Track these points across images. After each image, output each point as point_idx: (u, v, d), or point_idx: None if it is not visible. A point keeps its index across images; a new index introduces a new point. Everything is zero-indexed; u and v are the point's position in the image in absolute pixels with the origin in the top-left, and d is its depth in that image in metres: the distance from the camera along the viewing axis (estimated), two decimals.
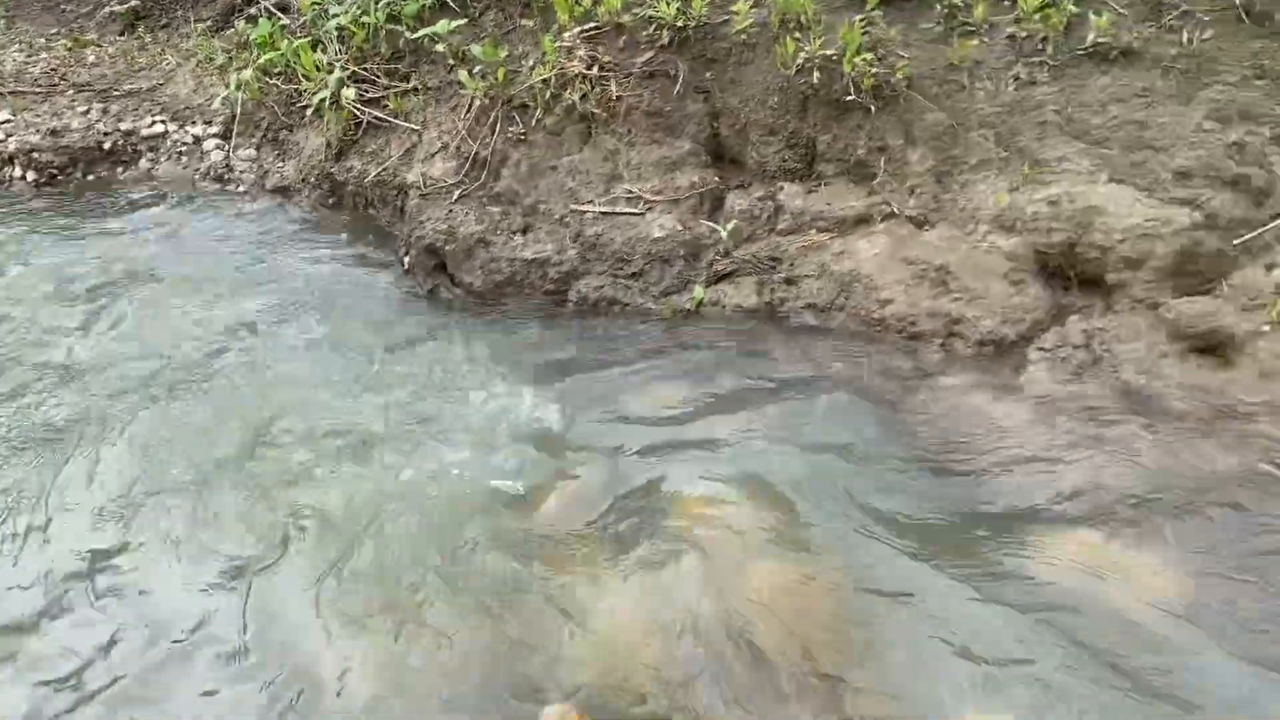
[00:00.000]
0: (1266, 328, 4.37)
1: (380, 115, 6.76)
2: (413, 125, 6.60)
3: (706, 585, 3.69)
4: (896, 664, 3.34)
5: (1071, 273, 4.95)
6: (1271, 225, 4.67)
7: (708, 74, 5.89)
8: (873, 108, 5.47)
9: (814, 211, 5.58)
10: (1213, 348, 4.47)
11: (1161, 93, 5.03)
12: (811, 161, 5.78)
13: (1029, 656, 3.31)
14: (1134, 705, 3.08)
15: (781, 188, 5.72)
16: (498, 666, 3.45)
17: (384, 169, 6.62)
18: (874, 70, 5.38)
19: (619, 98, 5.80)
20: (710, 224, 5.64)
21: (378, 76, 6.93)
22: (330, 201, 6.98)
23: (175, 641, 3.63)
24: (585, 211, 5.76)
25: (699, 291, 5.47)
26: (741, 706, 3.20)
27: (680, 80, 5.83)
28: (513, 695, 3.34)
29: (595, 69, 5.89)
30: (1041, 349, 4.80)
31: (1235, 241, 4.70)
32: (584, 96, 5.85)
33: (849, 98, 5.47)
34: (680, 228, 5.60)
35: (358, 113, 6.76)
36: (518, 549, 3.98)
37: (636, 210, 5.71)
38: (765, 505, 4.08)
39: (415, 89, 6.75)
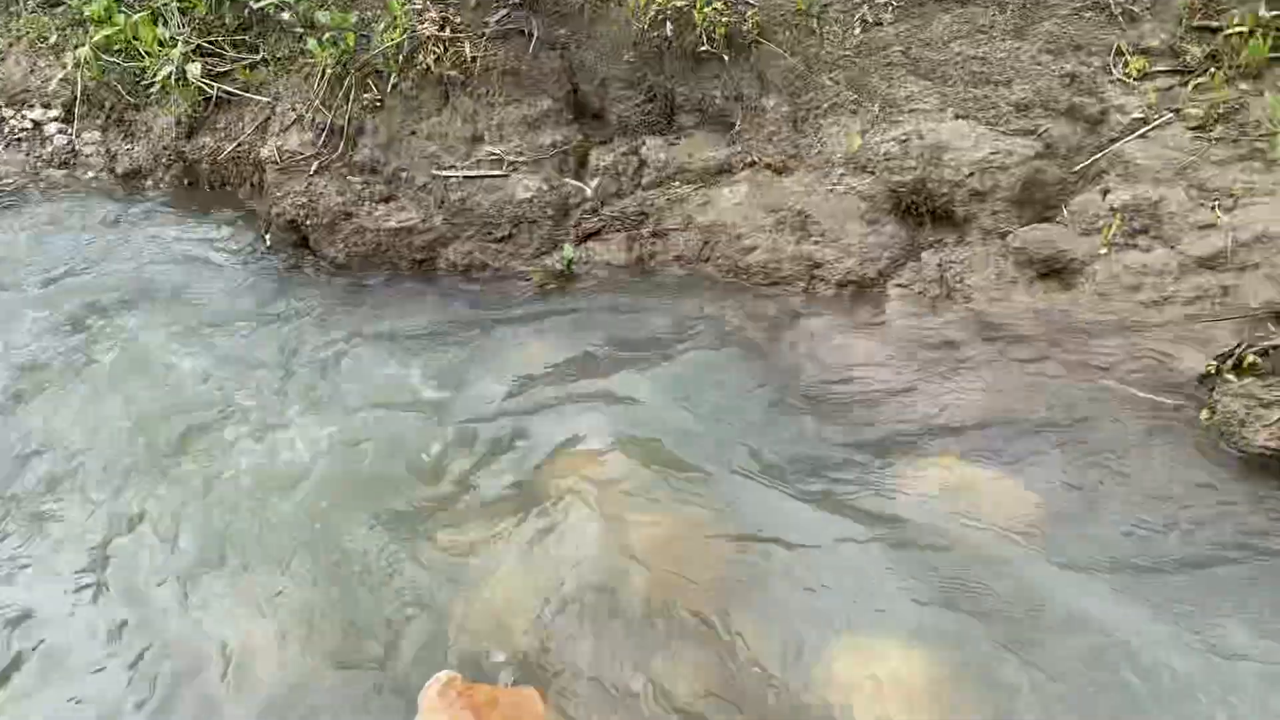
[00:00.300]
0: (1104, 250, 4.60)
1: (230, 89, 6.52)
2: (265, 98, 6.39)
3: (587, 541, 3.74)
4: (774, 601, 3.45)
5: (925, 209, 5.10)
6: (1106, 151, 4.88)
7: (562, 30, 5.85)
8: (726, 57, 5.52)
9: (677, 164, 5.62)
10: (1056, 272, 4.69)
11: (1000, 28, 5.20)
12: (672, 114, 5.80)
13: (898, 584, 3.46)
14: (992, 622, 3.26)
15: (644, 142, 5.74)
16: (380, 638, 3.46)
17: (238, 144, 6.41)
18: (725, 19, 5.42)
19: (474, 58, 5.71)
20: (576, 182, 5.64)
21: (225, 49, 6.67)
22: (186, 182, 6.73)
23: (41, 641, 3.54)
24: (449, 176, 5.69)
25: (569, 251, 5.48)
26: (625, 658, 3.28)
27: (535, 38, 5.77)
28: (397, 666, 3.35)
29: (448, 30, 5.77)
30: (899, 285, 4.97)
31: (1074, 169, 4.91)
32: (438, 59, 5.74)
33: (703, 48, 5.50)
34: (546, 187, 5.58)
35: (206, 88, 6.50)
36: (397, 518, 3.98)
37: (501, 172, 5.67)
38: (643, 457, 4.15)
39: (265, 60, 6.53)
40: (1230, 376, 3.84)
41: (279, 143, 6.08)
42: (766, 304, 5.06)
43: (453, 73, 5.79)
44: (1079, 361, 4.29)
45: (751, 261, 5.20)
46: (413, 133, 5.88)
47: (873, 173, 5.13)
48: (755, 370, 4.62)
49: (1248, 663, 2.96)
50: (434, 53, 5.79)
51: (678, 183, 5.57)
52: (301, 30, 6.29)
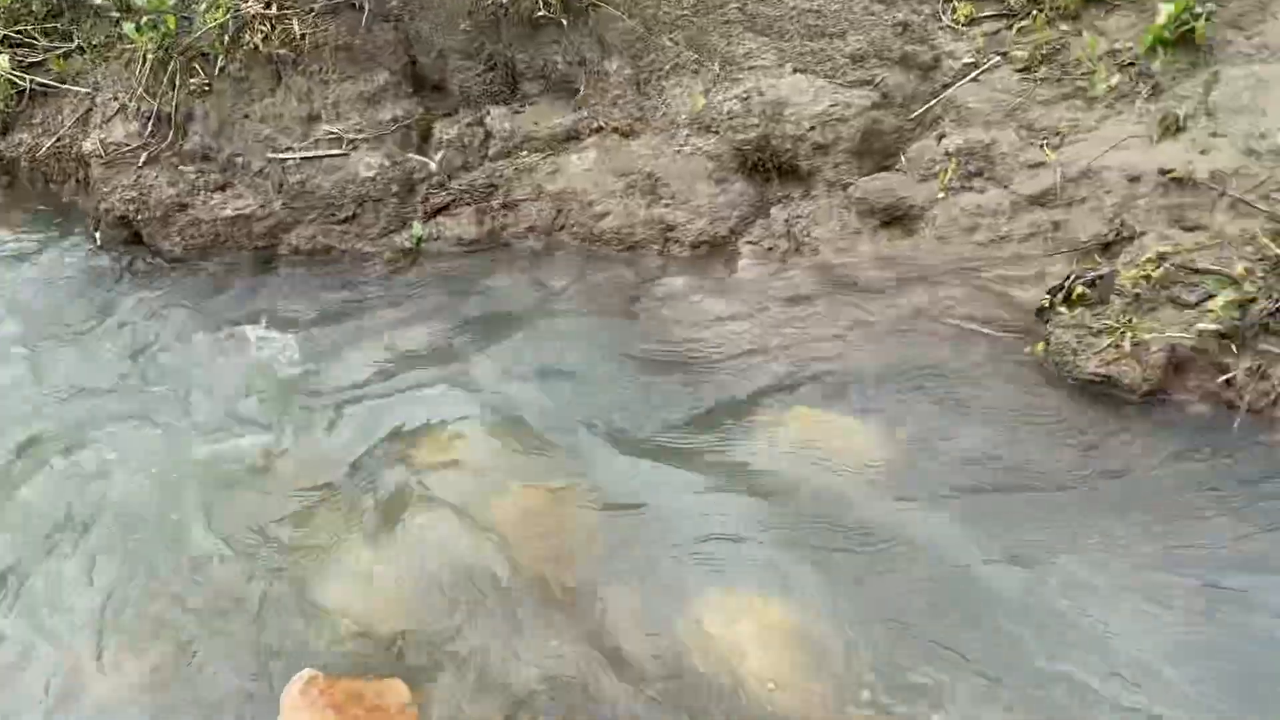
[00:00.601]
0: (941, 195, 4.72)
1: (45, 81, 6.14)
2: (83, 88, 6.04)
3: (449, 523, 3.67)
4: (640, 564, 3.44)
5: (770, 165, 5.14)
6: (940, 97, 5.00)
7: (395, 2, 5.67)
8: (565, 21, 5.44)
9: (523, 133, 5.53)
10: (897, 219, 4.80)
11: None
12: (515, 82, 5.71)
13: (758, 535, 3.49)
14: (847, 562, 3.32)
15: (488, 112, 5.64)
16: (238, 641, 3.34)
17: (58, 139, 6.05)
18: None
19: (304, 35, 5.50)
20: (420, 157, 5.51)
21: (35, 38, 6.27)
22: (5, 183, 6.32)
23: None
24: (286, 159, 5.48)
25: (417, 228, 5.35)
26: (493, 637, 3.23)
27: (367, 11, 5.58)
28: (256, 668, 3.24)
29: (274, 7, 5.55)
30: (750, 242, 5.01)
31: (910, 117, 5.02)
32: (266, 38, 5.51)
33: (540, 14, 5.41)
34: (389, 164, 5.43)
35: (18, 80, 6.10)
36: (250, 515, 3.83)
37: (341, 151, 5.49)
38: (503, 433, 4.10)
39: (80, 48, 6.16)
40: (1062, 309, 4.00)
41: (103, 135, 5.75)
42: (622, 269, 5.04)
43: (283, 51, 5.57)
44: (923, 305, 4.40)
45: (605, 228, 5.17)
46: (245, 116, 5.64)
47: (717, 132, 5.15)
48: (613, 336, 4.61)
49: (1079, 582, 3.09)
50: (261, 31, 5.56)
51: (525, 152, 5.49)
52: (117, 15, 5.96)
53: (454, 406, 4.27)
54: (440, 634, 3.28)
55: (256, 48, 5.55)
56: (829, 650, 3.04)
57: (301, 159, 5.46)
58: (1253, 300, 3.59)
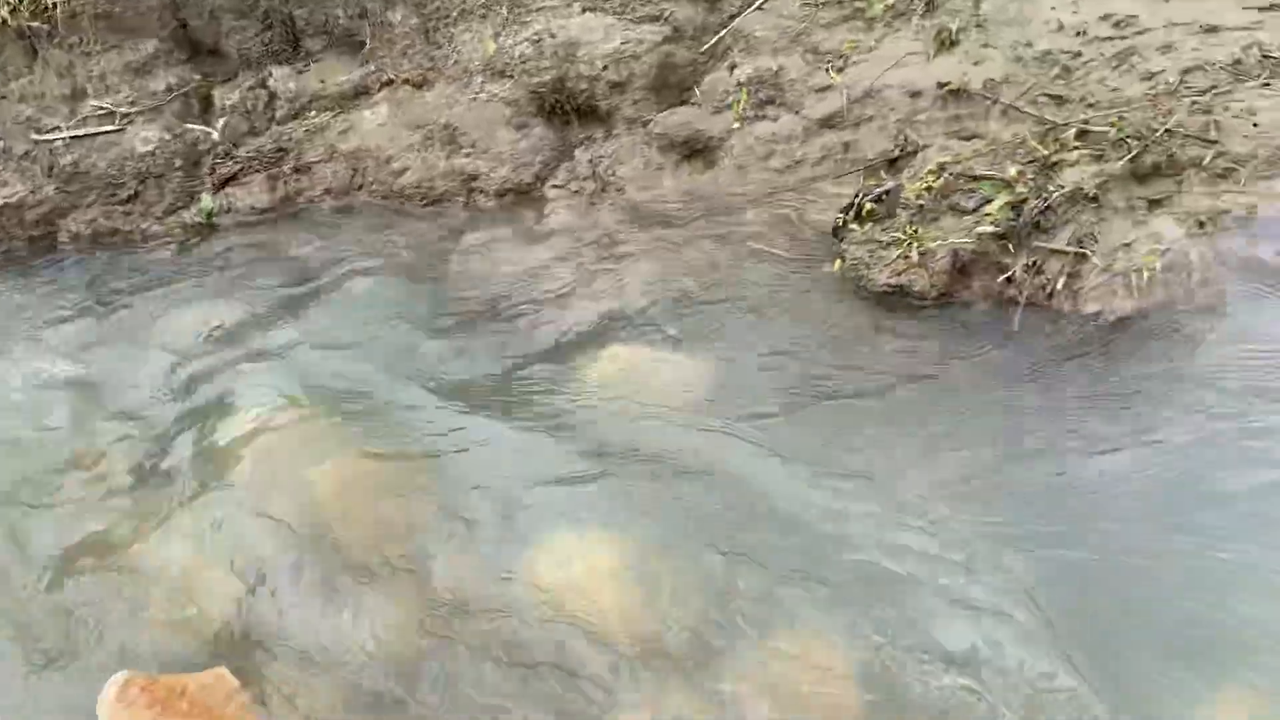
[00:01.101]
0: (736, 125, 4.80)
1: None
2: None
3: (273, 502, 3.54)
4: (468, 521, 3.41)
5: (569, 107, 5.11)
6: (728, 27, 5.05)
7: None
8: None
9: (310, 92, 5.32)
10: (698, 153, 4.85)
11: None
12: (296, 40, 5.47)
13: (586, 475, 3.51)
14: (677, 490, 3.37)
15: (270, 73, 5.38)
16: (49, 649, 3.16)
17: None
18: None
19: (55, 4, 5.09)
20: (201, 126, 5.23)
21: None
22: None
23: None
24: (53, 140, 5.10)
25: (207, 201, 5.09)
26: (323, 616, 3.15)
27: None
28: (72, 676, 3.07)
29: None
30: (556, 186, 4.98)
31: (702, 49, 5.06)
32: (14, 11, 5.08)
33: None
34: (169, 136, 5.14)
35: None
36: (70, 515, 3.62)
37: (114, 126, 5.15)
38: (322, 404, 3.97)
39: None
40: (854, 226, 4.14)
41: None
42: (427, 225, 4.94)
43: (35, 24, 5.15)
44: (727, 235, 4.49)
45: (405, 183, 5.05)
46: (2, 97, 5.21)
47: (512, 77, 5.07)
48: (423, 295, 4.52)
49: (888, 484, 3.25)
50: (8, 5, 5.12)
51: (314, 112, 5.29)
52: None
53: (262, 382, 4.10)
54: (266, 618, 3.18)
55: (4, 22, 5.12)
56: (658, 580, 3.10)
57: (71, 138, 5.10)
58: (1025, 200, 3.81)
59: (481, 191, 4.95)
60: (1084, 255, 3.65)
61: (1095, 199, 3.74)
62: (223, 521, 3.51)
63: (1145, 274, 3.52)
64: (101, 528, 3.54)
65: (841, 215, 4.22)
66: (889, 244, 3.98)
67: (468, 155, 4.98)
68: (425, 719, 2.81)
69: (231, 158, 5.14)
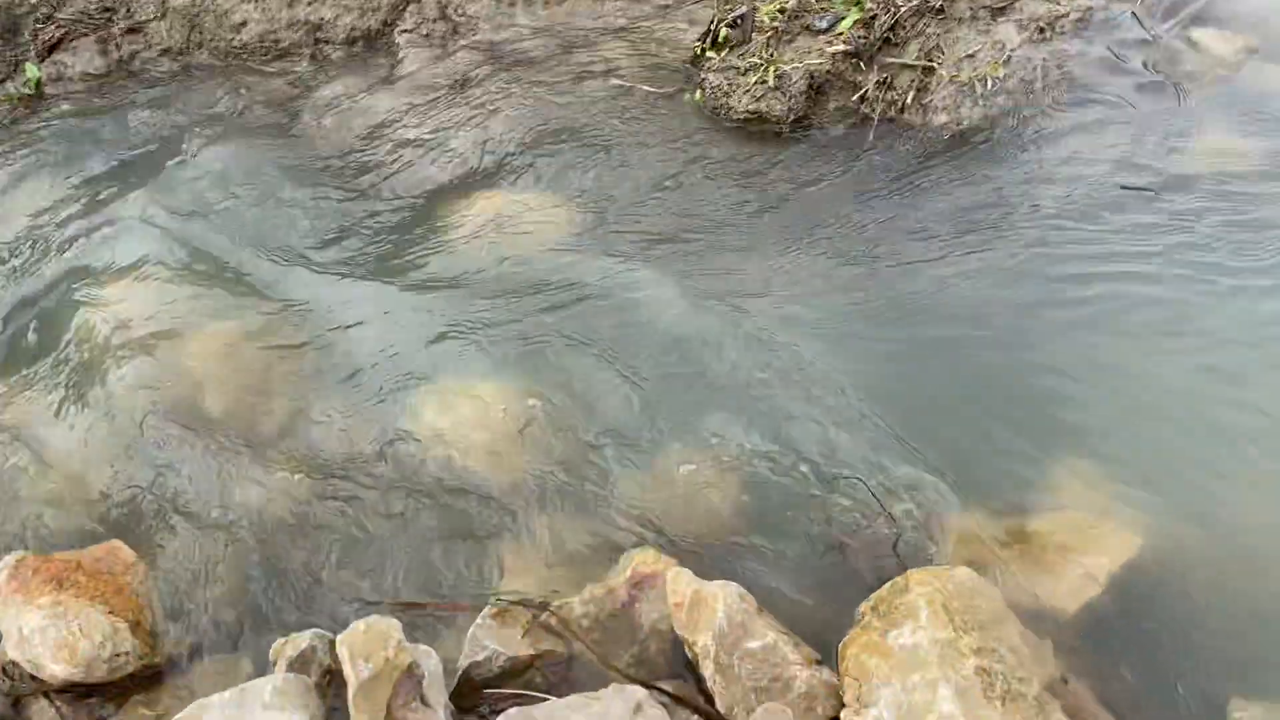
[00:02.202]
0: None
1: None
2: None
3: (150, 371, 3.48)
4: (350, 377, 3.40)
5: None
6: None
7: None
8: None
9: None
10: None
11: None
12: None
13: (460, 324, 3.53)
14: (551, 333, 3.43)
15: None
16: None
17: None
18: None
19: None
20: None
21: None
22: None
23: None
24: None
25: (32, 70, 4.77)
26: (211, 480, 3.17)
27: None
28: None
29: None
30: (406, 30, 4.81)
31: None
32: None
33: None
34: None
35: None
36: None
37: None
38: (186, 272, 3.87)
39: None
40: (711, 54, 4.14)
41: None
42: (276, 81, 4.74)
43: None
44: (586, 70, 4.44)
45: (247, 39, 4.82)
46: None
47: None
48: (276, 154, 4.37)
49: (742, 307, 3.38)
50: None
51: None
52: None
53: (114, 255, 3.97)
54: (151, 487, 3.18)
55: None
56: (538, 415, 3.20)
57: None
58: (874, 17, 3.86)
59: (328, 41, 4.76)
60: (931, 68, 3.75)
61: (941, 10, 3.81)
62: (100, 392, 3.45)
63: (990, 82, 3.64)
64: None
65: (699, 44, 4.21)
66: (746, 70, 4.01)
67: (310, 4, 4.75)
68: (319, 574, 2.89)
69: (54, 22, 4.80)
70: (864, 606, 2.47)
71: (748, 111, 3.94)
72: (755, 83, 3.93)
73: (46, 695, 2.63)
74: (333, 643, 2.59)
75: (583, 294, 3.50)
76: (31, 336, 3.76)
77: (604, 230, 3.74)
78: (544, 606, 2.70)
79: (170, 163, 4.38)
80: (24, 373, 3.58)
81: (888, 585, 2.47)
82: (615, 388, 3.19)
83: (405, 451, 3.15)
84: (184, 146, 4.46)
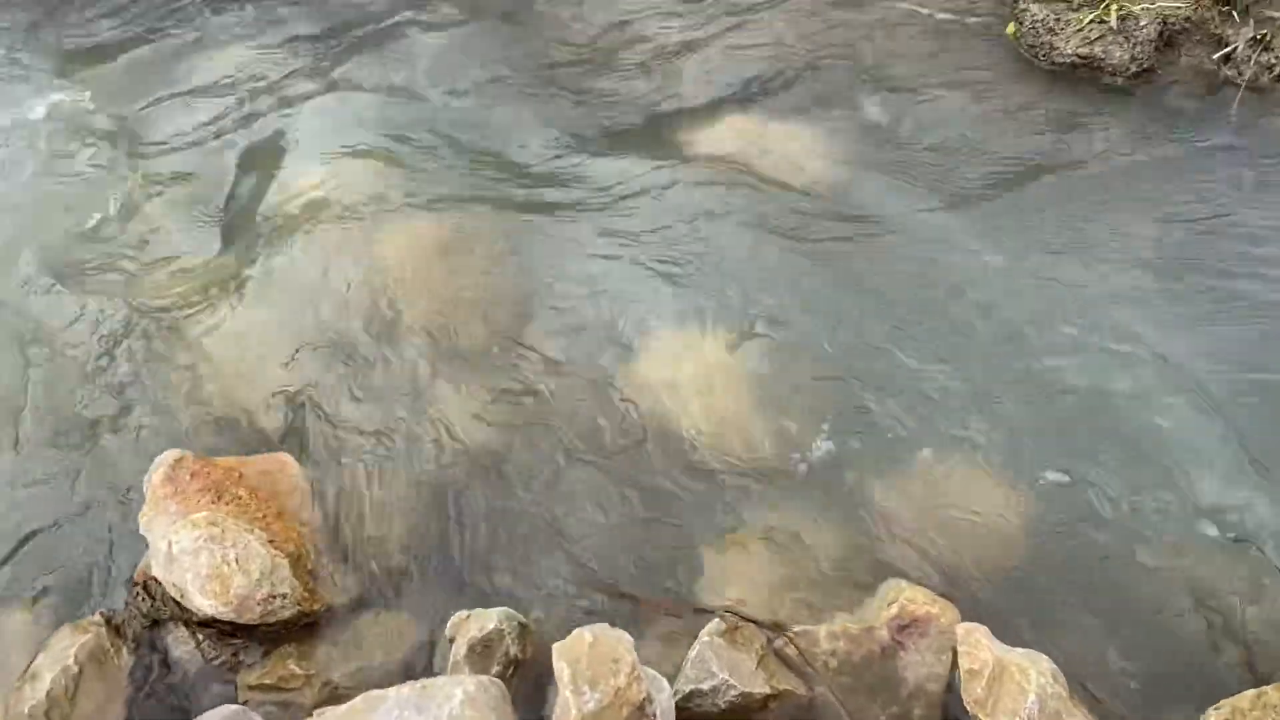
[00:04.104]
0: None
1: None
2: None
3: (340, 270, 3.07)
4: (569, 300, 2.91)
5: None
6: None
7: None
8: None
9: None
10: None
11: None
12: None
13: (710, 252, 2.98)
14: (815, 267, 2.85)
15: None
16: (90, 422, 2.78)
17: None
18: None
19: None
20: None
21: None
22: None
23: None
24: None
25: None
26: (400, 398, 2.72)
27: None
28: (113, 454, 2.71)
29: None
30: None
31: None
32: None
33: None
34: None
35: None
36: (83, 275, 3.20)
37: None
38: (393, 161, 3.45)
39: None
40: None
41: None
42: None
43: None
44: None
45: None
46: None
47: None
48: (507, 44, 3.90)
49: (1049, 276, 2.71)
50: None
51: None
52: None
53: (326, 131, 3.59)
54: (333, 399, 2.76)
55: None
56: (784, 385, 2.63)
57: None
58: None
59: None
60: None
61: None
62: (289, 285, 3.07)
63: None
64: (147, 297, 3.10)
65: None
66: (1080, 5, 3.27)
67: None
68: (509, 535, 2.41)
69: None
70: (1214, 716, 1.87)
71: (1075, 55, 3.22)
72: (1090, 22, 3.20)
73: (187, 623, 2.23)
74: (523, 626, 2.12)
75: (850, 240, 2.91)
76: (222, 217, 3.39)
77: (879, 172, 3.12)
78: (781, 630, 2.16)
79: (390, 41, 3.96)
80: (211, 257, 3.22)
81: (1250, 694, 1.86)
82: (888, 359, 2.61)
83: (618, 406, 2.64)
84: (408, 25, 4.02)
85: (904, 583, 2.20)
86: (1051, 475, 2.33)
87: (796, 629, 2.14)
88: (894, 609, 2.12)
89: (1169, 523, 2.22)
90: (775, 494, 2.39)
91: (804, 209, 3.01)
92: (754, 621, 2.16)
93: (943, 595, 2.17)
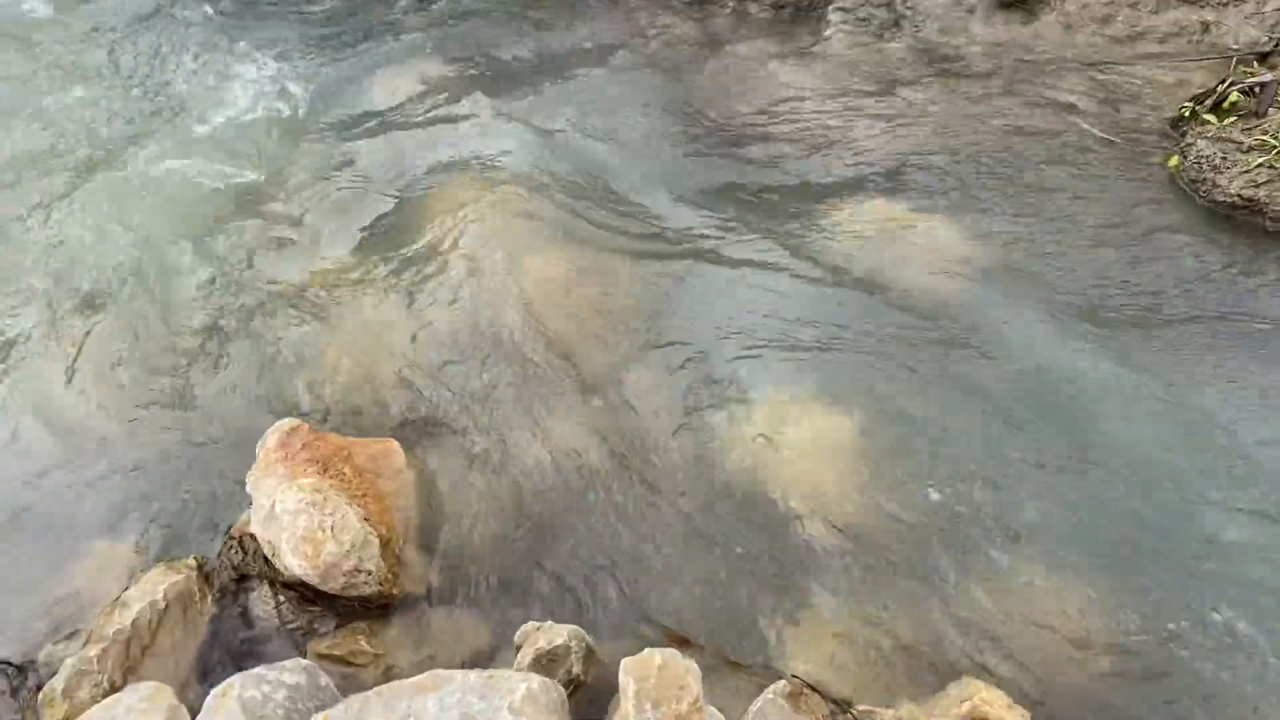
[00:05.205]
0: None
1: None
2: None
3: (481, 280, 3.18)
4: (684, 347, 2.95)
5: None
6: None
7: None
8: None
9: None
10: (1020, 1, 4.09)
11: None
12: None
13: (832, 328, 2.98)
14: (937, 364, 2.82)
15: None
16: (236, 382, 2.93)
17: None
18: None
19: None
20: None
21: None
22: None
23: None
24: None
25: None
26: (513, 409, 2.79)
27: None
28: (239, 412, 2.84)
29: None
30: (842, 9, 4.32)
31: None
32: None
33: None
34: None
35: None
36: (255, 247, 3.40)
37: None
38: (549, 189, 3.57)
39: None
40: (1209, 118, 3.38)
41: None
42: (689, 24, 4.39)
43: None
44: (1036, 99, 3.78)
45: None
46: None
47: None
48: (674, 95, 4.02)
49: (1203, 419, 2.62)
50: None
51: None
52: None
53: (484, 156, 3.74)
54: (448, 398, 2.85)
55: None
56: (885, 464, 2.59)
57: None
58: None
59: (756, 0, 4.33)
60: None
61: None
62: (426, 290, 3.20)
63: None
64: (295, 269, 3.28)
65: (1191, 104, 3.46)
66: (1250, 148, 3.22)
67: None
68: (591, 559, 2.43)
69: None
70: None
71: (1238, 195, 3.16)
72: (1260, 165, 3.13)
73: (272, 583, 2.30)
74: (590, 648, 2.13)
75: (975, 338, 2.87)
76: (379, 211, 3.57)
77: (1017, 283, 3.08)
78: (847, 707, 2.11)
79: (570, 75, 4.14)
80: (364, 245, 3.38)
81: None
82: (1001, 465, 2.55)
83: (719, 454, 2.65)
84: (584, 63, 4.21)
85: (980, 683, 2.13)
86: (1147, 611, 2.24)
87: (862, 707, 2.09)
88: (966, 707, 2.05)
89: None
90: (862, 571, 2.35)
91: (935, 305, 2.99)
92: (820, 692, 2.12)
93: (1018, 703, 2.09)
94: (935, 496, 2.52)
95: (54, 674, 2.11)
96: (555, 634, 2.08)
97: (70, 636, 2.28)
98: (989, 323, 2.90)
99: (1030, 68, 3.88)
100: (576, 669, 2.05)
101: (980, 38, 4.03)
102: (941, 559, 2.38)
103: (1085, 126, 3.60)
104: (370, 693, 1.62)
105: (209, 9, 4.70)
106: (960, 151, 3.57)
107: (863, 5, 4.27)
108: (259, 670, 1.75)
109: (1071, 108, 3.70)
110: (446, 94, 4.06)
